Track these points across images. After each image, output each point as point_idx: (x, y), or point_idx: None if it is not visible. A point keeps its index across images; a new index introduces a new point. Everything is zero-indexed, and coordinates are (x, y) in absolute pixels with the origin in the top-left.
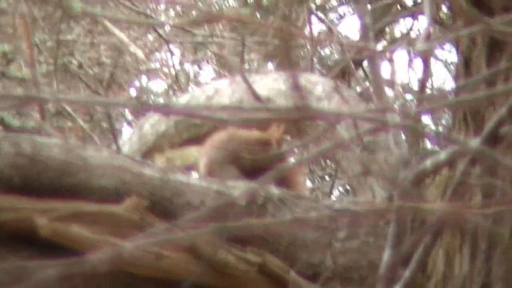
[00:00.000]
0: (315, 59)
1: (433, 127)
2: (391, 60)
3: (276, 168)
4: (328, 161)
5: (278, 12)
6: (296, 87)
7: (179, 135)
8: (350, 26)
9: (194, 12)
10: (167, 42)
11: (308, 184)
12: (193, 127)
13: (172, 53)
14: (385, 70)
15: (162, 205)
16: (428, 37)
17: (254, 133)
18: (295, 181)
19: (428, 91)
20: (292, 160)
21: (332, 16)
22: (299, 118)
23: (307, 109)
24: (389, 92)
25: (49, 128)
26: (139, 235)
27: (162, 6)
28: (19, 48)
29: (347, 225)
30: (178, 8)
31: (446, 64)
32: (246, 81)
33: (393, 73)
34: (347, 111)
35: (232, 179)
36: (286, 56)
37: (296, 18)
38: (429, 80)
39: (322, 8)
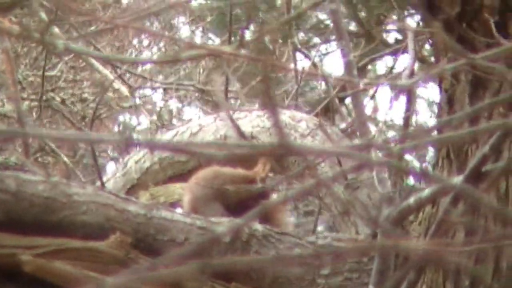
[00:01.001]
0: (299, 96)
1: (416, 164)
2: (374, 97)
3: (260, 205)
4: (311, 198)
5: (262, 49)
6: (276, 124)
7: (163, 172)
8: (334, 63)
9: (177, 48)
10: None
11: (292, 220)
12: (178, 164)
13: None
14: (368, 106)
15: (146, 242)
16: (411, 73)
17: (239, 171)
18: (277, 218)
19: (411, 128)
20: (275, 197)
21: (315, 53)
22: (281, 155)
23: (287, 147)
24: (372, 128)
25: (33, 165)
26: (123, 272)
27: (145, 42)
28: (3, 84)
29: (331, 261)
30: (162, 44)
31: (428, 102)
32: (230, 118)
33: (376, 109)
34: (328, 148)
35: (216, 216)
36: (267, 93)
37: (280, 54)
38: (413, 117)
39: (305, 45)
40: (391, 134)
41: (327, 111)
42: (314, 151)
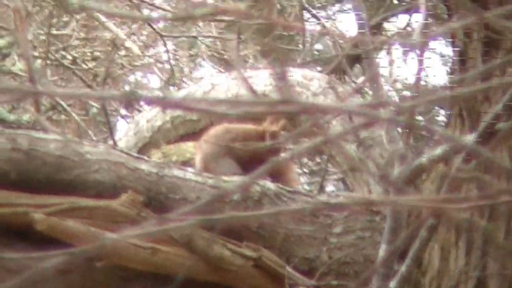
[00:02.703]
0: (310, 54)
1: (428, 124)
2: (389, 53)
3: (270, 161)
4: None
5: (273, 8)
6: (282, 80)
7: (175, 130)
8: (346, 23)
9: (188, 6)
10: (162, 36)
11: (301, 179)
12: (190, 122)
13: (167, 49)
14: (382, 65)
15: (158, 200)
16: (423, 30)
17: (249, 127)
18: (285, 175)
19: (423, 86)
20: (286, 154)
21: (329, 12)
22: (290, 113)
23: (293, 103)
24: (385, 87)
25: (45, 123)
26: (130, 228)
27: (158, 1)
28: (14, 43)
29: (343, 220)
30: (173, 2)
31: (442, 58)
32: (243, 76)
33: (390, 66)
34: (335, 105)
35: (228, 173)
36: (275, 49)
37: (290, 14)
38: (425, 75)
39: (319, 3)
40: (403, 92)
41: (340, 70)
42: (320, 107)
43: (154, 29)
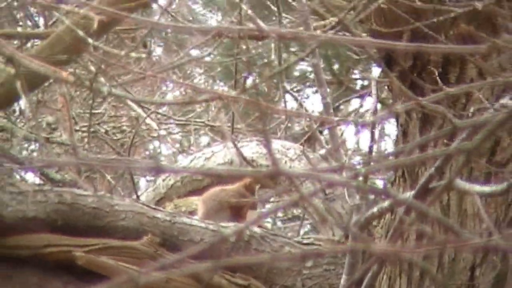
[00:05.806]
0: (287, 130)
1: (379, 183)
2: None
3: (258, 215)
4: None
5: (258, 93)
6: (269, 153)
7: (184, 188)
8: (313, 104)
9: (193, 92)
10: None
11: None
12: (195, 181)
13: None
14: (343, 137)
15: (171, 241)
16: (374, 112)
17: (237, 185)
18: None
19: (374, 154)
20: (269, 207)
21: (299, 95)
22: (274, 177)
23: (279, 171)
24: (344, 155)
25: (83, 182)
26: (153, 264)
27: (169, 87)
28: (60, 120)
29: (314, 257)
30: (182, 89)
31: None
32: (235, 146)
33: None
34: (309, 172)
35: (224, 221)
36: (264, 129)
37: (273, 96)
38: (375, 146)
39: (292, 90)
40: (358, 159)
41: (310, 141)
42: (299, 174)
43: (164, 115)
